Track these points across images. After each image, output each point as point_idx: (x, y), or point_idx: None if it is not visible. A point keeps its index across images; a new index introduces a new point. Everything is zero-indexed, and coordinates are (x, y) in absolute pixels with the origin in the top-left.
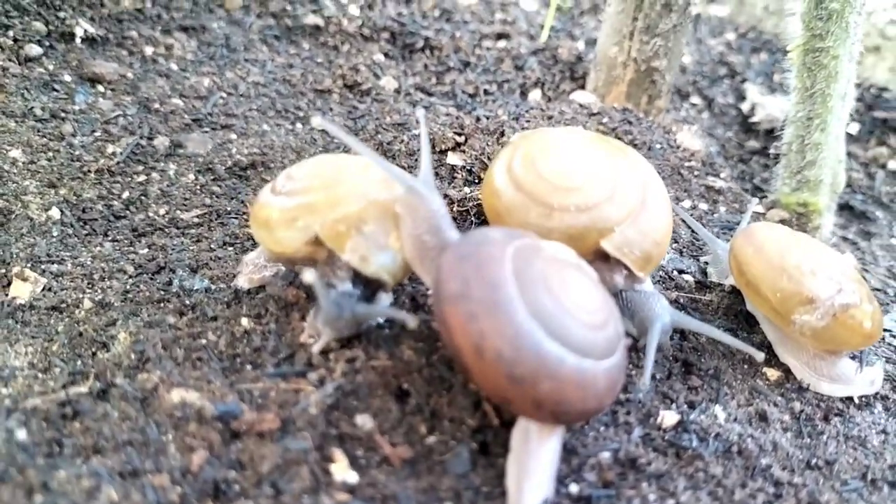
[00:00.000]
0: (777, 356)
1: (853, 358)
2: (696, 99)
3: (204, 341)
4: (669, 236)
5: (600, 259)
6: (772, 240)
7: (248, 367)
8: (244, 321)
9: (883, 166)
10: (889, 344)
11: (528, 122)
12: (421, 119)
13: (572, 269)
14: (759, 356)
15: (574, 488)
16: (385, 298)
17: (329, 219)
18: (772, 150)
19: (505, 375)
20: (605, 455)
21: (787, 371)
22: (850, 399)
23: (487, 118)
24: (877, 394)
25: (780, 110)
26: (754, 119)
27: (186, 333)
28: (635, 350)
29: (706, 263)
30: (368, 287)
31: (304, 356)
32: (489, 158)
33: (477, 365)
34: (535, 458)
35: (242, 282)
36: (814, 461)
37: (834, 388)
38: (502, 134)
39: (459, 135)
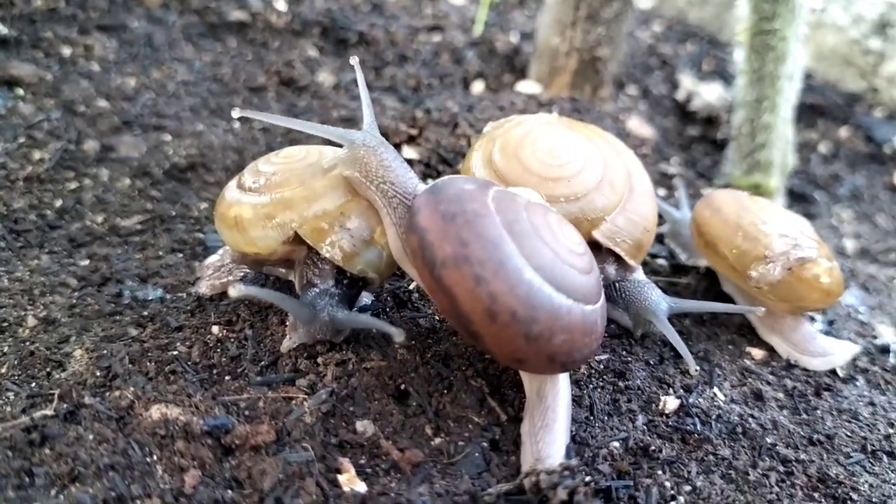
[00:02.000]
0: (758, 336)
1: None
2: (632, 89)
3: (174, 353)
4: (656, 222)
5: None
6: (729, 202)
7: (228, 377)
8: (215, 329)
9: (815, 149)
10: (855, 319)
11: (481, 112)
12: (356, 66)
13: (550, 213)
14: (760, 311)
15: (589, 480)
16: (366, 297)
17: (308, 215)
18: (719, 136)
19: (522, 336)
20: (616, 445)
21: (770, 349)
22: (835, 373)
23: (439, 111)
24: (857, 367)
25: (717, 98)
26: (692, 108)
27: (154, 346)
28: (628, 339)
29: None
30: (353, 286)
31: (289, 362)
32: (446, 150)
33: (490, 329)
34: (552, 411)
35: (204, 288)
36: (815, 437)
37: (815, 362)
38: (456, 125)
39: (412, 127)
